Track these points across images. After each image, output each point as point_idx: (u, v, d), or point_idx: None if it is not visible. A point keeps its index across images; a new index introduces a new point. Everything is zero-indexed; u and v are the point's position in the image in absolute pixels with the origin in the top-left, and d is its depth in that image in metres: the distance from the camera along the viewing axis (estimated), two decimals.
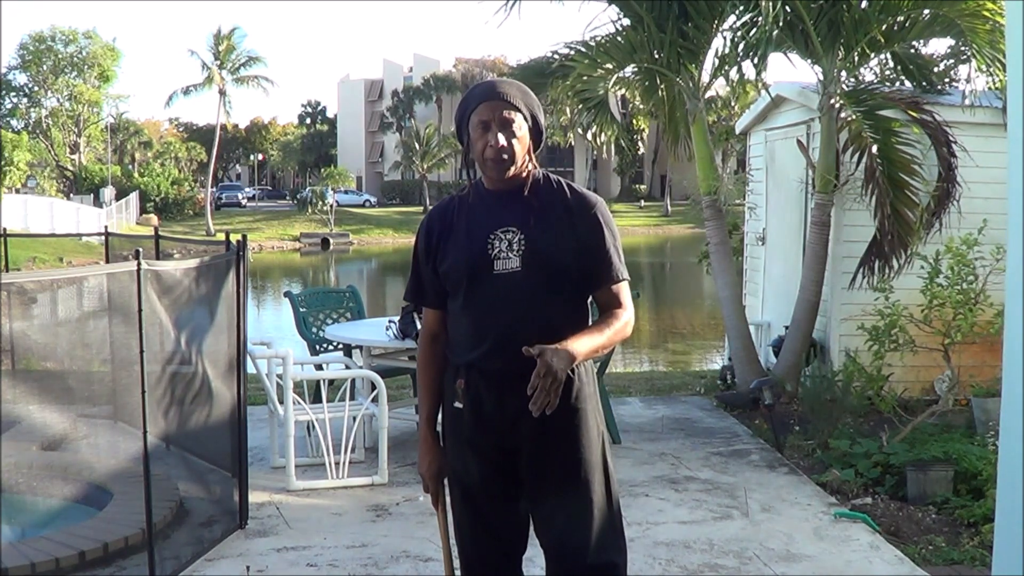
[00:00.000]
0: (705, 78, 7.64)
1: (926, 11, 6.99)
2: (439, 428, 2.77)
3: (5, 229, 8.13)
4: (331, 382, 6.23)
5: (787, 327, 7.63)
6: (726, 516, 5.02)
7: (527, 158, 2.64)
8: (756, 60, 7.26)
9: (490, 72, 59.91)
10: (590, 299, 2.71)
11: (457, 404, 2.65)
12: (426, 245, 2.72)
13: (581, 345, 2.52)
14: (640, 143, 61.71)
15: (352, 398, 5.74)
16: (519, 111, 2.60)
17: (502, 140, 2.56)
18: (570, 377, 2.58)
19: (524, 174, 2.64)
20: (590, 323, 2.66)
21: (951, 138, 6.91)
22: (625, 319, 2.67)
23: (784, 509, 5.12)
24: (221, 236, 5.60)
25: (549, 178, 2.70)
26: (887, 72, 7.69)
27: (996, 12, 6.46)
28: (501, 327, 2.56)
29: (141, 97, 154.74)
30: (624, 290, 2.70)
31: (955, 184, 6.90)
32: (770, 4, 6.63)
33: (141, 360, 3.90)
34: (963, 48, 7.16)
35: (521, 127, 2.60)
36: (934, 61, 8.02)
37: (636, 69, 7.65)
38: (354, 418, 5.56)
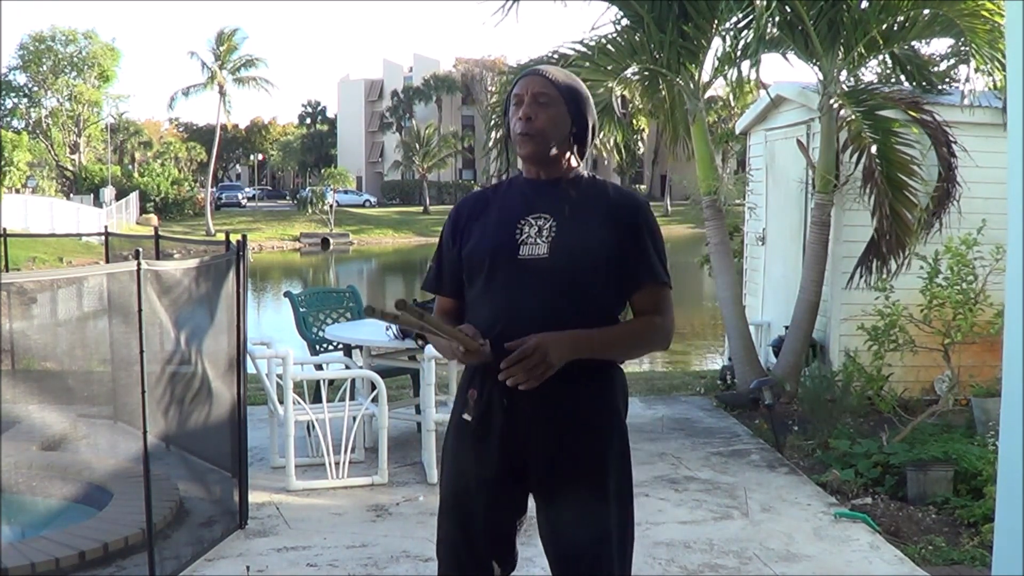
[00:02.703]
0: (705, 78, 7.65)
1: (926, 11, 7.00)
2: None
3: (5, 229, 8.13)
4: (331, 382, 6.23)
5: (787, 327, 7.63)
6: (726, 516, 5.02)
7: (567, 149, 2.49)
8: (754, 60, 7.26)
9: (490, 72, 59.93)
10: (622, 312, 2.52)
11: (466, 416, 2.47)
12: (453, 227, 2.56)
13: (587, 337, 2.36)
14: (640, 143, 61.72)
15: (352, 398, 5.74)
16: (557, 90, 2.46)
17: (530, 112, 2.43)
18: (591, 389, 2.45)
19: (564, 167, 2.50)
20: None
21: (951, 138, 6.92)
22: (657, 325, 2.48)
23: (784, 509, 5.12)
24: (221, 236, 5.60)
25: (594, 177, 2.56)
26: (886, 72, 7.69)
27: (996, 12, 6.47)
28: (522, 317, 2.36)
29: (141, 97, 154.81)
30: (664, 296, 2.50)
31: (955, 184, 6.90)
32: (763, 2, 6.63)
33: (141, 360, 3.90)
34: (963, 48, 7.17)
35: (556, 105, 2.45)
36: (933, 61, 8.03)
37: (636, 69, 7.65)
38: (354, 418, 5.56)
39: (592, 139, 2.55)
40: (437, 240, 2.66)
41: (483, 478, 2.49)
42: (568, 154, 2.50)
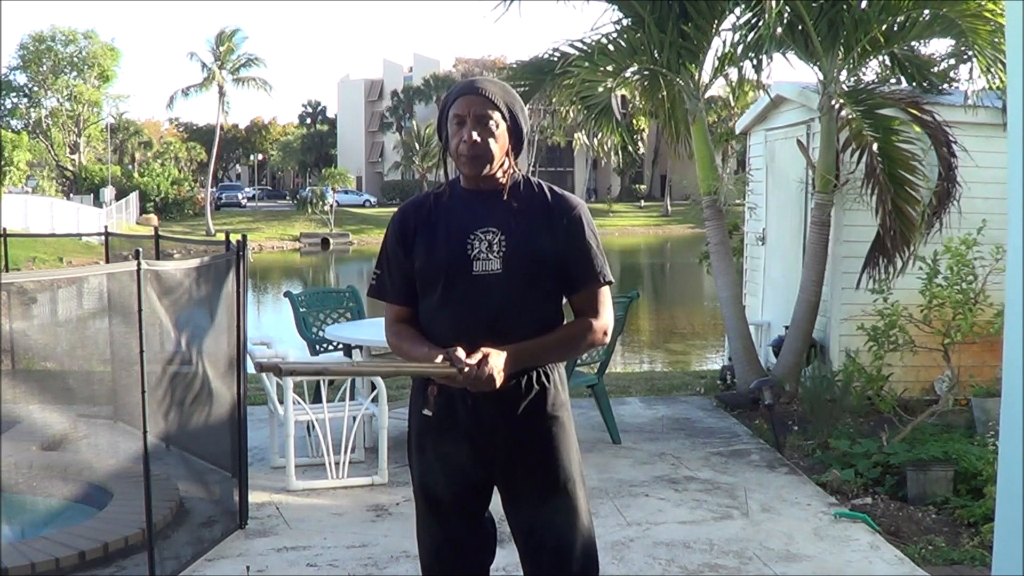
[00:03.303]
0: (705, 78, 7.65)
1: (926, 11, 6.99)
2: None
3: (5, 229, 8.12)
4: (331, 382, 6.23)
5: (787, 327, 7.63)
6: (726, 516, 5.02)
7: (506, 159, 2.58)
8: (758, 60, 7.25)
9: (490, 72, 59.94)
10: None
11: (426, 412, 2.54)
12: (401, 239, 2.63)
13: (531, 348, 2.50)
14: (640, 143, 61.72)
15: (352, 398, 5.74)
16: (497, 109, 2.53)
17: (475, 136, 2.50)
18: (544, 386, 2.57)
19: (503, 175, 2.58)
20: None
21: (951, 138, 6.91)
22: (595, 327, 2.59)
23: (784, 509, 5.12)
24: (221, 236, 5.60)
25: (530, 181, 2.64)
26: (886, 73, 7.69)
27: (997, 12, 6.46)
28: (480, 330, 2.47)
29: (141, 97, 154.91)
30: (603, 295, 2.62)
31: (955, 184, 6.90)
32: (772, 2, 6.63)
33: (141, 360, 3.90)
34: (963, 48, 7.16)
35: (498, 125, 2.53)
36: (933, 61, 8.03)
37: (637, 69, 7.65)
38: (354, 418, 5.56)
39: (525, 140, 2.65)
40: (380, 249, 2.71)
41: (450, 468, 2.60)
42: (506, 161, 2.59)
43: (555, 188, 2.64)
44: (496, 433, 2.55)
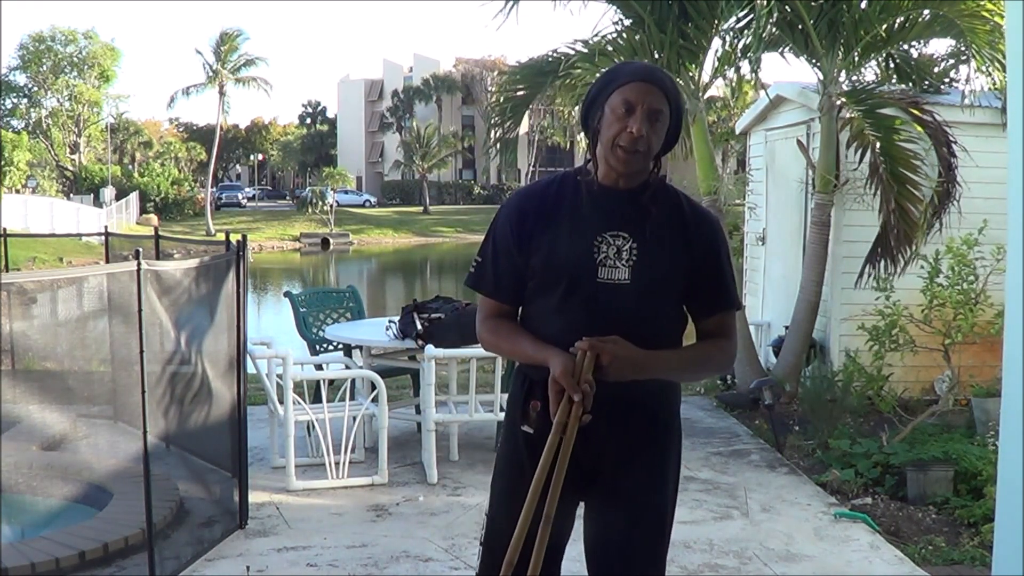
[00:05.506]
0: (705, 78, 7.65)
1: (926, 11, 7.00)
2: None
3: (5, 229, 8.12)
4: (331, 382, 6.22)
5: (787, 327, 7.63)
6: (726, 516, 5.02)
7: (653, 160, 2.35)
8: (757, 59, 7.26)
9: (490, 72, 59.89)
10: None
11: (526, 428, 2.29)
12: (518, 231, 2.36)
13: (659, 360, 2.30)
14: None
15: (352, 398, 5.74)
16: (669, 105, 2.29)
17: (644, 129, 2.24)
18: (660, 403, 2.41)
19: (645, 176, 2.34)
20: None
21: (951, 138, 6.92)
22: (728, 351, 2.43)
23: (784, 509, 5.13)
24: (221, 236, 5.60)
25: (666, 186, 2.39)
26: (887, 73, 7.69)
27: (996, 12, 6.46)
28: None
29: (141, 97, 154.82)
30: (734, 320, 2.45)
31: (955, 184, 6.90)
32: (764, 1, 6.64)
33: (141, 360, 3.90)
34: (963, 48, 7.17)
35: (665, 121, 2.29)
36: (933, 62, 8.03)
37: None
38: (354, 418, 5.56)
39: (675, 144, 2.42)
40: (487, 234, 2.46)
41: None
42: (651, 163, 2.37)
43: (691, 199, 2.42)
44: (605, 453, 2.37)
